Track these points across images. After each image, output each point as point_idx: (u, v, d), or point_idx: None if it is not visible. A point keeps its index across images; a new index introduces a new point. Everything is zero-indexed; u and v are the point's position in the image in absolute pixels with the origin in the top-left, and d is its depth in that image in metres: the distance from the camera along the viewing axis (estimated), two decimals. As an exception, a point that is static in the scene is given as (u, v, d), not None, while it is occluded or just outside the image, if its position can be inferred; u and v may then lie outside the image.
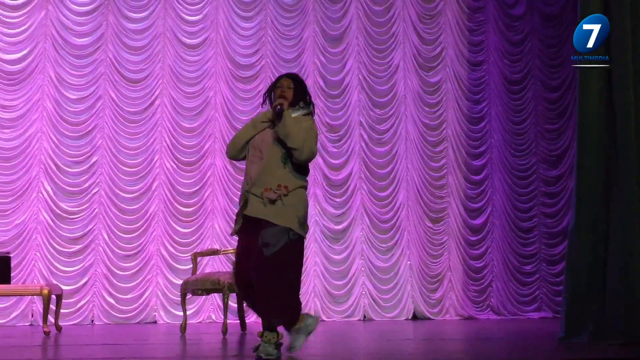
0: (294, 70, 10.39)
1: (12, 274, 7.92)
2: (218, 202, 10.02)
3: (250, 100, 10.28)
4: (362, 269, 10.27)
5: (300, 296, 4.77)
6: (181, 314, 7.88)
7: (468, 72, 10.89)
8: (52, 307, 7.83)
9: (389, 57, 10.74)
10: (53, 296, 7.71)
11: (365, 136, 10.55)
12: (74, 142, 9.87)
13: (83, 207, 9.76)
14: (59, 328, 7.86)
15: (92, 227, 9.74)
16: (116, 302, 9.57)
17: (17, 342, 6.68)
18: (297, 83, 4.87)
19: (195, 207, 9.97)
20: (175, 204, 9.94)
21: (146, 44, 10.16)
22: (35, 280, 9.36)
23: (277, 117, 4.72)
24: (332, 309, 10.09)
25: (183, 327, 7.45)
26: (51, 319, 7.75)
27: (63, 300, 8.23)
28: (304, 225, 4.65)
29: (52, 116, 9.83)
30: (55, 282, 8.97)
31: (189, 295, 7.76)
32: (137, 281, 9.69)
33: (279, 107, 4.72)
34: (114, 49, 10.06)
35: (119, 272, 9.71)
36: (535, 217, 10.81)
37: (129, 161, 9.92)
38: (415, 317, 10.24)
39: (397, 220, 10.46)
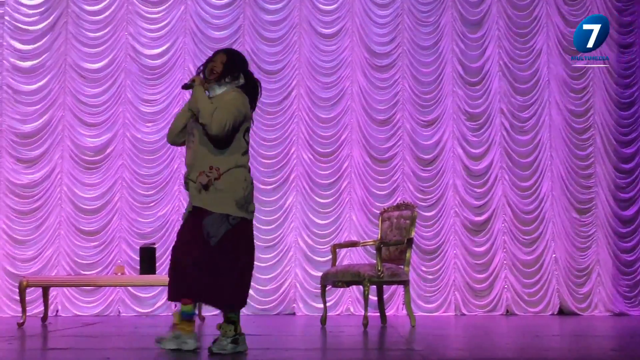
0: (431, 58, 10.16)
1: (156, 264, 8.08)
2: (356, 193, 9.91)
3: (387, 90, 10.12)
4: (505, 262, 9.92)
5: (248, 285, 4.54)
6: (319, 305, 7.85)
7: (617, 54, 10.32)
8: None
9: (532, 41, 10.30)
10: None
11: (507, 124, 10.17)
12: (213, 135, 9.99)
13: (223, 199, 9.86)
14: (201, 318, 7.99)
15: (232, 219, 9.83)
16: (255, 293, 9.62)
17: (162, 331, 6.78)
18: (230, 57, 4.58)
19: (332, 199, 9.90)
20: (313, 195, 9.91)
21: (282, 35, 10.17)
22: (177, 271, 9.53)
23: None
24: (473, 303, 9.80)
25: (323, 319, 7.36)
26: (193, 308, 7.83)
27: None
28: (245, 206, 4.45)
29: (192, 109, 9.98)
30: (196, 272, 9.10)
31: (328, 287, 7.68)
32: (276, 272, 9.72)
33: (187, 81, 4.56)
34: (250, 40, 10.13)
35: (257, 263, 9.57)
36: (692, 207, 10.16)
37: (267, 153, 9.97)
38: (561, 312, 9.82)
39: (541, 211, 10.04)
